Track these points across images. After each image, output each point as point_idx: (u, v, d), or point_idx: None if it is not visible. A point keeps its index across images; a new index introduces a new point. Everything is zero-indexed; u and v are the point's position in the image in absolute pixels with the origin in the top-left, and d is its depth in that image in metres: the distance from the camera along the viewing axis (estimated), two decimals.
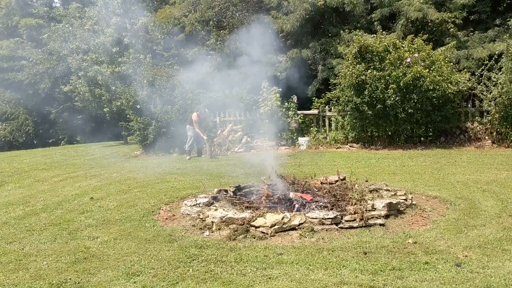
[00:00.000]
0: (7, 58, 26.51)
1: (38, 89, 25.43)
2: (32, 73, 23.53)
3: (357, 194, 6.24)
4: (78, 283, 4.19)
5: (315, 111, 15.74)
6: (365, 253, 4.62)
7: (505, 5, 17.41)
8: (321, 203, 6.23)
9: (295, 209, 6.08)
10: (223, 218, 5.66)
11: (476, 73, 13.75)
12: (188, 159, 13.10)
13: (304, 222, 5.46)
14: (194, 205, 6.38)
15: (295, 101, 15.67)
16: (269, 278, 4.11)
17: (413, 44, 13.62)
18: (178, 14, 20.48)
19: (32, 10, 28.77)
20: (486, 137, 13.27)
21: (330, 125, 15.52)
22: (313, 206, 6.12)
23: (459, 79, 13.26)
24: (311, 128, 15.55)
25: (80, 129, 27.17)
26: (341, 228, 5.44)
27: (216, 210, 5.96)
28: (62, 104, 26.51)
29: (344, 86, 13.82)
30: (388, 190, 6.63)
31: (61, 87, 21.63)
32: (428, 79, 12.65)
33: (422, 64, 13.04)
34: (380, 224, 5.51)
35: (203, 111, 13.76)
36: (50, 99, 27.09)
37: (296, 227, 5.42)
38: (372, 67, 13.26)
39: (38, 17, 28.01)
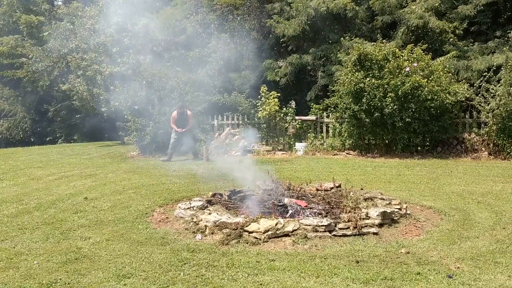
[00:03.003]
0: (7, 55, 26.45)
1: (36, 87, 25.38)
2: (31, 70, 23.48)
3: (351, 202, 6.24)
4: (68, 283, 4.16)
5: (313, 117, 15.76)
6: (358, 262, 4.60)
7: (505, 17, 17.50)
8: (316, 210, 6.22)
9: (289, 215, 6.07)
10: (217, 222, 5.65)
11: (475, 84, 13.79)
12: (162, 161, 12.94)
13: (297, 229, 5.45)
14: (188, 208, 6.38)
15: (293, 107, 15.69)
16: (260, 284, 4.09)
17: (412, 53, 13.67)
18: (180, 16, 20.48)
19: (33, 7, 28.74)
20: (483, 149, 13.28)
21: (327, 131, 15.54)
22: (307, 213, 6.11)
23: (458, 90, 13.29)
24: (309, 134, 15.56)
25: (77, 128, 27.12)
26: (335, 235, 5.43)
27: (210, 214, 5.94)
28: (60, 102, 26.44)
29: (343, 93, 13.85)
30: (383, 199, 6.63)
31: (60, 86, 21.59)
32: (426, 88, 12.68)
33: (421, 73, 13.08)
34: (374, 233, 5.51)
35: (182, 111, 13.32)
36: (49, 97, 27.03)
37: (290, 234, 5.41)
38: (371, 75, 13.29)
39: (39, 14, 27.98)
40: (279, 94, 15.64)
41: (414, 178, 9.67)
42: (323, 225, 5.45)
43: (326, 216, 5.90)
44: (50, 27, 21.92)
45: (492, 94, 13.13)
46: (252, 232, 5.38)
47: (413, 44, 14.30)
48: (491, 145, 13.09)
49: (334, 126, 15.19)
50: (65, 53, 20.07)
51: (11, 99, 28.48)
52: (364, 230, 5.53)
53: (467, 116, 14.01)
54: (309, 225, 5.47)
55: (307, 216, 5.95)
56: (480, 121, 13.71)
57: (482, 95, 13.44)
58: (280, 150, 15.31)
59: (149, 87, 14.77)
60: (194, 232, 5.65)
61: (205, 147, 13.29)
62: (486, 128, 13.27)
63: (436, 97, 12.77)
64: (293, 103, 15.72)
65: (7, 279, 4.29)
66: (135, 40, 17.58)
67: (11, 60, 26.18)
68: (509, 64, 12.67)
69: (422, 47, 14.00)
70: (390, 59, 13.43)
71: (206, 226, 5.69)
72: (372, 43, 15.27)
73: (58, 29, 20.54)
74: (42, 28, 24.48)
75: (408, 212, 6.39)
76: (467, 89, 13.61)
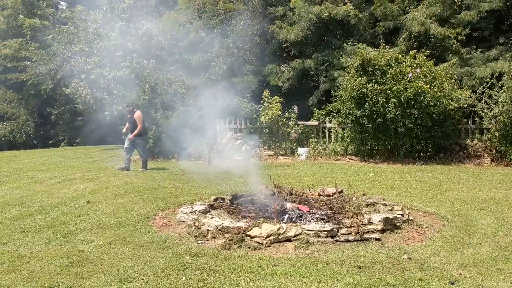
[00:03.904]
0: (11, 58, 26.56)
1: (40, 90, 25.47)
2: (35, 73, 23.57)
3: (354, 208, 6.24)
4: (70, 287, 4.17)
5: (316, 122, 15.76)
6: (360, 268, 4.59)
7: (508, 23, 17.49)
8: (318, 215, 6.21)
9: (291, 220, 6.06)
10: (219, 227, 5.65)
11: (478, 91, 13.78)
12: (118, 169, 11.86)
13: (299, 234, 5.44)
14: (190, 212, 6.37)
15: (296, 111, 15.70)
16: None
17: (415, 59, 13.68)
18: (183, 20, 20.55)
19: (38, 11, 28.88)
20: (486, 155, 13.26)
21: (330, 136, 15.54)
22: (310, 218, 6.10)
23: (460, 96, 13.29)
24: (311, 139, 15.57)
25: (80, 131, 27.19)
26: (337, 241, 5.43)
27: (212, 218, 5.94)
28: (63, 105, 26.55)
29: (345, 98, 13.85)
30: (385, 205, 6.61)
31: (63, 89, 21.66)
32: (429, 94, 12.69)
33: (424, 79, 13.08)
34: (376, 239, 5.50)
35: (131, 111, 12.14)
36: (52, 100, 27.13)
37: (292, 239, 5.41)
38: (373, 80, 13.30)
39: (43, 18, 28.11)
40: (281, 99, 15.65)
41: (417, 184, 9.66)
42: (325, 230, 5.44)
43: (328, 222, 5.90)
44: (54, 31, 22.02)
45: (494, 101, 13.12)
46: (254, 237, 5.38)
47: (415, 50, 14.31)
48: (494, 151, 13.06)
49: (336, 131, 15.19)
50: (69, 56, 20.17)
51: (14, 102, 28.58)
52: (366, 235, 5.52)
53: (469, 122, 14.00)
54: (311, 230, 5.47)
55: (309, 221, 5.95)
56: (483, 128, 13.69)
57: (485, 101, 13.43)
58: (283, 155, 15.32)
59: (152, 91, 14.82)
60: (196, 236, 5.66)
61: (207, 151, 13.29)
62: (489, 134, 13.25)
63: (438, 103, 12.77)
64: (295, 108, 15.73)
65: (9, 281, 4.30)
66: (139, 44, 17.66)
67: (14, 63, 26.28)
68: None
69: (425, 53, 14.01)
70: (393, 64, 13.45)
71: (208, 230, 5.69)
72: (375, 49, 15.29)
73: (62, 32, 20.65)
74: (46, 31, 24.57)
75: (410, 218, 6.38)
76: (470, 95, 13.60)
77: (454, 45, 16.10)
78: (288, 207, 6.55)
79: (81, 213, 6.95)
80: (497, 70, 13.70)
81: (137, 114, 12.11)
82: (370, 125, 13.29)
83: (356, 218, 5.82)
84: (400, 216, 6.20)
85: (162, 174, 11.23)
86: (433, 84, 13.01)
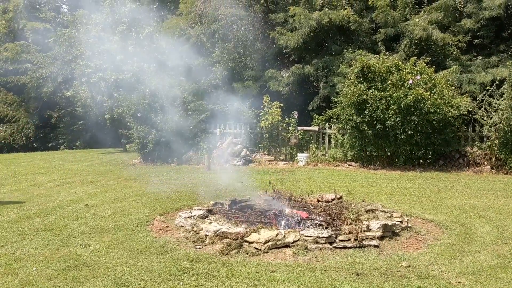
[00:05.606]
0: (12, 61, 26.57)
1: (40, 93, 25.47)
2: (36, 76, 23.58)
3: (352, 214, 6.22)
4: None
5: (315, 128, 15.76)
6: (358, 275, 4.58)
7: (509, 31, 17.53)
8: (316, 221, 6.19)
9: (289, 226, 6.04)
10: (217, 232, 5.63)
11: (478, 98, 13.79)
12: None
13: (298, 240, 5.43)
14: (188, 217, 6.35)
15: (296, 117, 15.69)
16: None
17: (415, 66, 13.69)
18: (185, 25, 20.59)
19: (39, 14, 28.93)
20: (485, 163, 13.24)
21: (329, 142, 15.52)
22: (308, 224, 6.08)
23: (460, 103, 13.29)
24: (311, 145, 15.55)
25: (80, 135, 27.18)
26: (335, 247, 5.41)
27: (210, 223, 5.93)
28: (63, 109, 26.53)
29: (345, 104, 13.84)
30: (384, 212, 6.60)
31: (63, 92, 21.66)
32: (429, 101, 12.69)
33: (424, 86, 13.09)
34: (375, 246, 5.48)
35: None
36: (52, 103, 27.10)
37: (290, 245, 5.39)
38: (373, 87, 13.30)
39: (45, 22, 28.15)
40: (281, 104, 15.64)
41: (416, 191, 9.64)
42: (323, 237, 5.43)
43: (327, 228, 5.88)
44: (55, 34, 22.05)
45: (494, 109, 13.12)
46: (252, 243, 5.36)
47: (416, 57, 14.33)
48: (493, 159, 13.05)
49: (336, 137, 15.18)
50: (70, 59, 20.19)
51: (14, 104, 28.58)
52: (365, 242, 5.50)
53: (469, 130, 13.99)
54: (310, 236, 5.45)
55: (308, 227, 5.93)
56: (483, 135, 13.69)
57: (485, 109, 13.43)
58: (282, 160, 15.29)
59: (152, 95, 14.82)
60: (194, 241, 5.64)
61: (207, 156, 13.28)
62: (489, 142, 13.25)
63: (438, 110, 12.77)
64: (295, 113, 15.73)
65: (5, 285, 4.28)
66: (140, 48, 17.68)
67: (15, 66, 26.30)
68: None
69: (425, 60, 14.02)
70: (393, 71, 13.45)
71: (206, 235, 5.67)
72: (375, 55, 15.30)
73: (63, 36, 20.67)
74: (47, 34, 24.60)
75: (409, 225, 6.37)
76: (470, 102, 13.61)
77: (455, 53, 16.13)
78: (287, 213, 6.53)
79: (79, 217, 6.93)
80: (498, 76, 13.70)
81: None
82: (370, 132, 13.28)
83: (355, 225, 5.81)
84: (399, 223, 6.18)
85: (161, 178, 11.20)
86: (433, 91, 13.01)
